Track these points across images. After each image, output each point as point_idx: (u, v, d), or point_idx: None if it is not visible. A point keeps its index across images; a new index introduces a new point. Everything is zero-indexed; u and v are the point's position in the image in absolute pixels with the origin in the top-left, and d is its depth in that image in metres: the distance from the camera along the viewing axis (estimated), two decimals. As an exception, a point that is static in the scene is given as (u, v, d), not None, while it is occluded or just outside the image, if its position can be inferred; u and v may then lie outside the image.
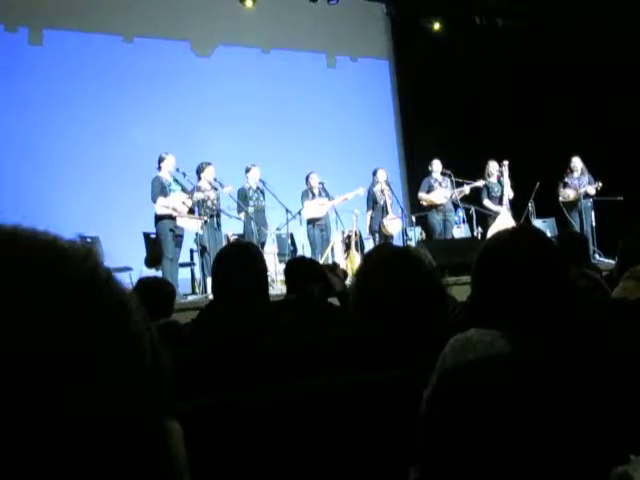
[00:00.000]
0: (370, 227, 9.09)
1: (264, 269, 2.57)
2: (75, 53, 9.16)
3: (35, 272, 0.38)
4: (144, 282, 3.62)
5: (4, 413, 0.35)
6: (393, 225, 8.90)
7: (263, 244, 7.91)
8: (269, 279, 2.64)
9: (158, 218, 7.39)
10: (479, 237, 8.80)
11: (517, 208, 9.28)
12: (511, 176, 9.25)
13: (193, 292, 7.92)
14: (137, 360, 0.40)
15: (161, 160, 7.51)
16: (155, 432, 0.40)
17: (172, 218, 7.38)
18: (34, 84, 8.83)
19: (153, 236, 7.69)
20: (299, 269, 3.65)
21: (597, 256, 8.80)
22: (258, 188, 8.25)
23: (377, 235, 8.94)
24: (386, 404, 1.29)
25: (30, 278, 0.38)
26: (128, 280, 5.63)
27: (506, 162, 9.22)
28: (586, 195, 9.26)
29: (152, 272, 7.29)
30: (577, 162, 9.37)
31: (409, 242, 8.74)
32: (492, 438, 1.12)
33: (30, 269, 0.38)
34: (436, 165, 9.19)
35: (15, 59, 8.85)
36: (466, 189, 9.12)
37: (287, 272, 3.74)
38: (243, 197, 8.12)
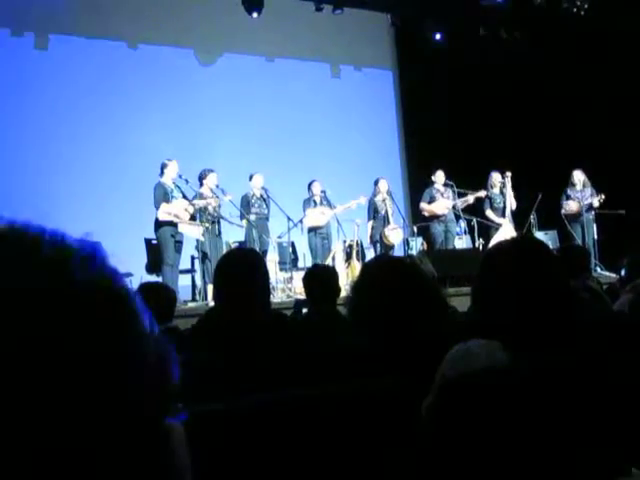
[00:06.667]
0: (371, 237, 9.09)
1: (266, 276, 2.56)
2: (80, 58, 9.19)
3: (41, 268, 0.38)
4: (145, 287, 3.63)
5: (6, 412, 0.35)
6: (394, 235, 8.90)
7: (265, 252, 7.89)
8: (270, 286, 2.62)
9: (159, 224, 7.40)
10: (481, 248, 8.79)
11: (519, 220, 9.28)
12: (513, 187, 9.25)
13: (193, 299, 7.91)
14: (139, 360, 0.40)
15: (164, 166, 7.53)
16: (155, 433, 0.40)
17: (173, 224, 7.38)
18: (39, 88, 8.85)
19: (154, 242, 7.68)
20: (330, 279, 3.64)
21: (598, 269, 8.78)
22: (261, 196, 8.26)
23: (378, 245, 8.94)
24: (382, 413, 1.29)
25: (35, 274, 0.38)
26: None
27: (509, 173, 9.22)
28: (589, 208, 9.24)
29: (153, 278, 7.28)
30: (578, 175, 9.34)
31: (410, 252, 8.73)
32: (491, 448, 1.12)
33: (36, 265, 0.38)
34: (439, 176, 9.21)
35: (21, 63, 8.89)
36: (470, 198, 9.13)
37: (315, 282, 3.69)
38: (245, 204, 8.13)
